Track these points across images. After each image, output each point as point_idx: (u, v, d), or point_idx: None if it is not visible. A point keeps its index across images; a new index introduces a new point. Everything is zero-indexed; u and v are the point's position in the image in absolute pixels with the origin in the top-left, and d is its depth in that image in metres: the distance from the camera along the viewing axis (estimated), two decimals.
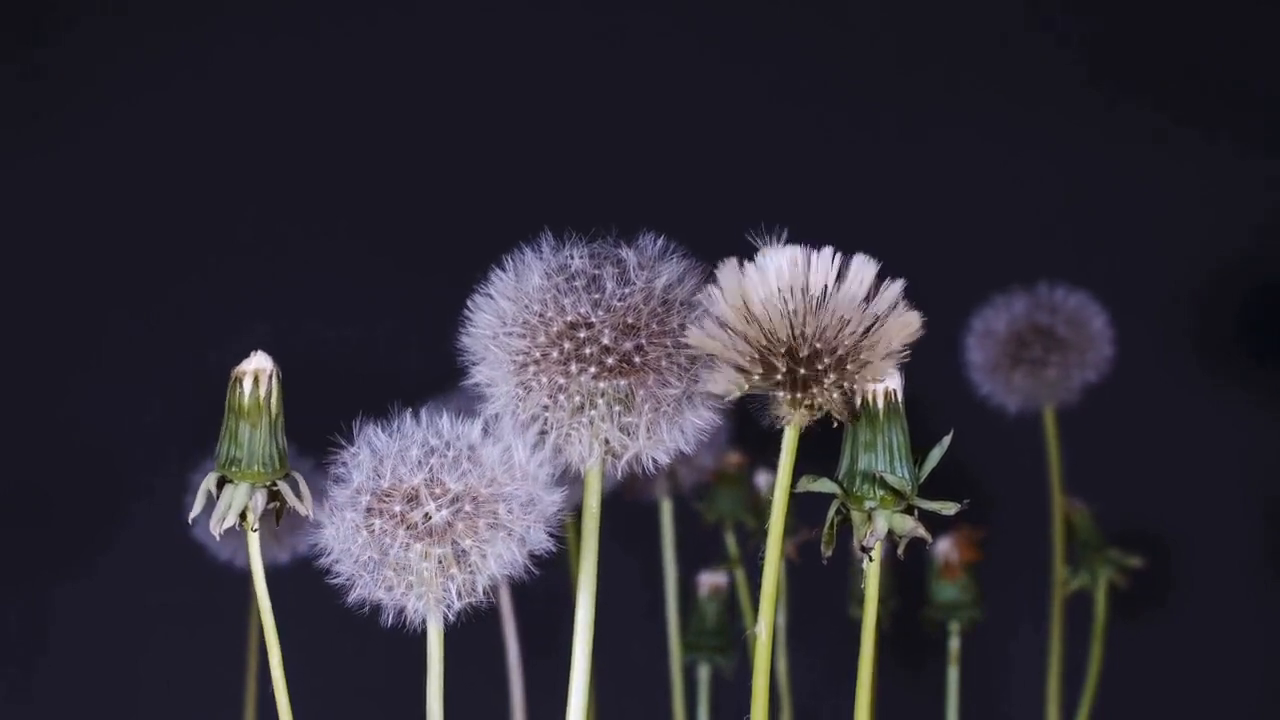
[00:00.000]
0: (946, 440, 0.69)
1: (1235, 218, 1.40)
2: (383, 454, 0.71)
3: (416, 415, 0.72)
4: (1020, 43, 1.43)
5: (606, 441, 0.71)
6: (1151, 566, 1.14)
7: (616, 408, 0.71)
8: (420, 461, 0.71)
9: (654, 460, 0.72)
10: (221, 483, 0.71)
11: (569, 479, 0.72)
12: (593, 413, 0.71)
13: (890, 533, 0.68)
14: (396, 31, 1.43)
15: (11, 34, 1.41)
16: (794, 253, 0.67)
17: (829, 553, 0.69)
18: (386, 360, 1.39)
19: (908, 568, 1.13)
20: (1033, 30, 1.43)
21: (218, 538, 0.72)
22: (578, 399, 0.71)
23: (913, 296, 0.68)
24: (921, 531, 0.68)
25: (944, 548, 1.10)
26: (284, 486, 0.72)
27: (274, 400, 0.71)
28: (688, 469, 1.13)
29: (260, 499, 0.71)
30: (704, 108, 1.43)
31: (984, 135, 1.41)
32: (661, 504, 1.15)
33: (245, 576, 1.18)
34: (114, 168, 1.40)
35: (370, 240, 1.41)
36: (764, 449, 1.04)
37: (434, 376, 1.08)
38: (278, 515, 0.72)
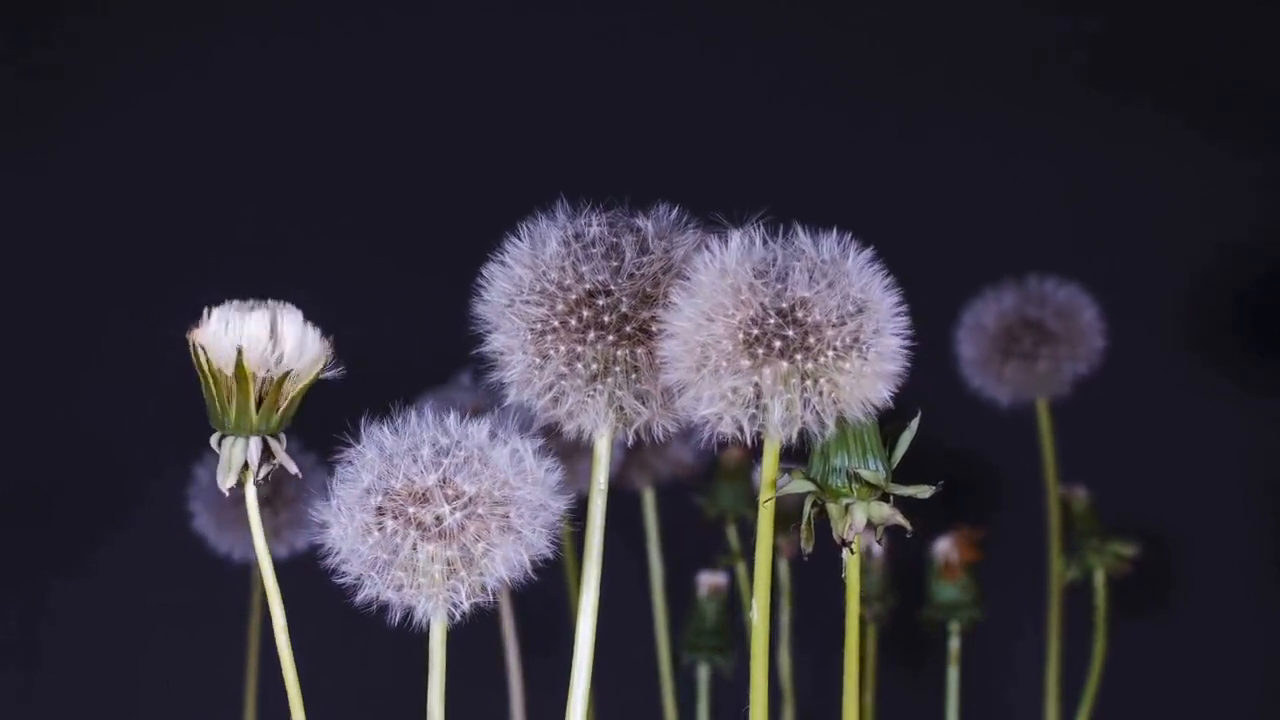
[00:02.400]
0: (914, 423, 0.69)
1: (1234, 217, 1.40)
2: (392, 454, 0.71)
3: (421, 414, 0.71)
4: (1020, 42, 1.43)
5: (620, 408, 0.71)
6: (1150, 563, 1.14)
7: (632, 375, 0.71)
8: (432, 462, 0.70)
9: (664, 429, 0.72)
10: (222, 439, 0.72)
11: (570, 486, 0.72)
12: (609, 380, 0.71)
13: (868, 522, 0.68)
14: (396, 32, 1.43)
15: (11, 34, 1.41)
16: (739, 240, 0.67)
17: (809, 548, 0.69)
18: (388, 360, 1.38)
19: (907, 567, 1.13)
20: (1032, 30, 1.43)
21: (226, 493, 0.72)
22: (595, 366, 0.71)
23: (913, 296, 0.68)
24: (899, 519, 0.69)
25: (944, 548, 1.09)
26: (274, 443, 0.71)
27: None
28: (663, 462, 1.13)
29: (255, 447, 0.71)
30: (703, 109, 1.43)
31: (984, 135, 1.41)
32: (644, 495, 1.14)
33: (245, 573, 1.18)
34: (114, 168, 1.40)
35: (370, 240, 1.41)
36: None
37: (436, 376, 1.09)
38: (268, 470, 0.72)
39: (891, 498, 0.69)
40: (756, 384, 0.66)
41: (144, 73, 1.41)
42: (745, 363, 0.66)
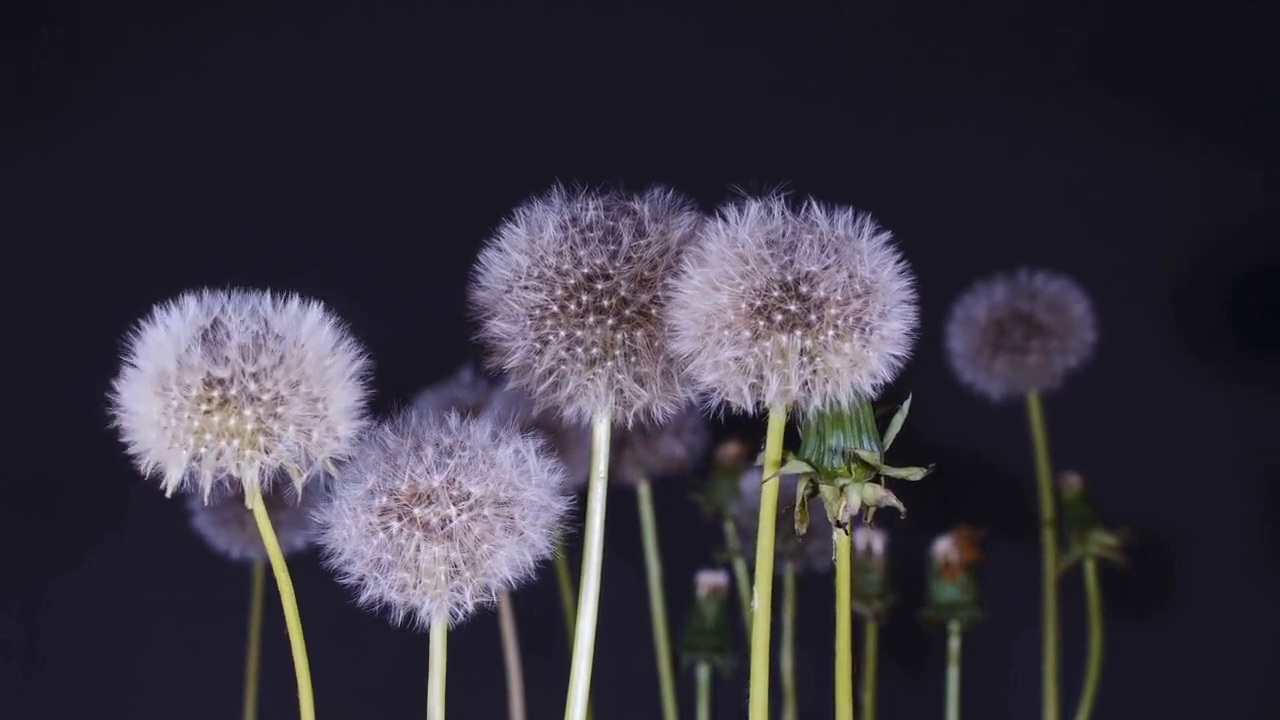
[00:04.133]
0: (905, 406, 0.69)
1: (1233, 215, 1.40)
2: (396, 454, 0.71)
3: (423, 413, 0.71)
4: (1020, 40, 1.43)
5: (620, 391, 0.71)
6: (1144, 559, 1.14)
7: (632, 358, 0.71)
8: (436, 463, 0.70)
9: (663, 411, 0.72)
10: None
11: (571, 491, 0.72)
12: (609, 364, 0.71)
13: (861, 503, 0.68)
14: (395, 32, 1.43)
15: (9, 33, 1.41)
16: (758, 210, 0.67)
17: (803, 530, 0.69)
18: (387, 360, 1.38)
19: (907, 567, 1.13)
20: (1032, 28, 1.43)
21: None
22: (595, 351, 0.71)
23: (913, 292, 0.68)
24: (893, 500, 0.69)
25: (944, 547, 1.09)
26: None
27: None
28: (655, 458, 1.12)
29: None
30: (705, 105, 1.42)
31: (982, 131, 1.41)
32: (639, 491, 1.14)
33: (244, 571, 1.18)
34: (114, 167, 1.40)
35: (368, 241, 1.41)
36: (762, 440, 1.04)
37: (434, 373, 1.08)
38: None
39: (884, 479, 0.69)
40: (757, 356, 0.66)
41: (144, 72, 1.41)
42: (747, 334, 0.66)
